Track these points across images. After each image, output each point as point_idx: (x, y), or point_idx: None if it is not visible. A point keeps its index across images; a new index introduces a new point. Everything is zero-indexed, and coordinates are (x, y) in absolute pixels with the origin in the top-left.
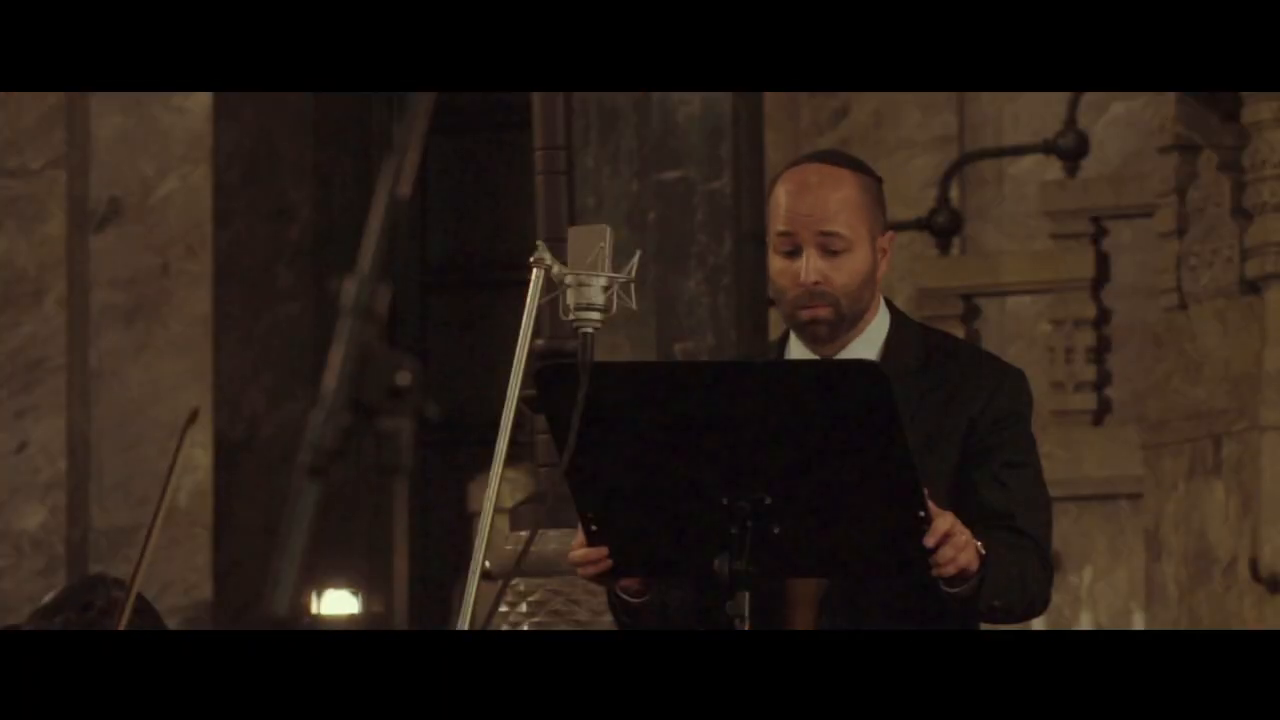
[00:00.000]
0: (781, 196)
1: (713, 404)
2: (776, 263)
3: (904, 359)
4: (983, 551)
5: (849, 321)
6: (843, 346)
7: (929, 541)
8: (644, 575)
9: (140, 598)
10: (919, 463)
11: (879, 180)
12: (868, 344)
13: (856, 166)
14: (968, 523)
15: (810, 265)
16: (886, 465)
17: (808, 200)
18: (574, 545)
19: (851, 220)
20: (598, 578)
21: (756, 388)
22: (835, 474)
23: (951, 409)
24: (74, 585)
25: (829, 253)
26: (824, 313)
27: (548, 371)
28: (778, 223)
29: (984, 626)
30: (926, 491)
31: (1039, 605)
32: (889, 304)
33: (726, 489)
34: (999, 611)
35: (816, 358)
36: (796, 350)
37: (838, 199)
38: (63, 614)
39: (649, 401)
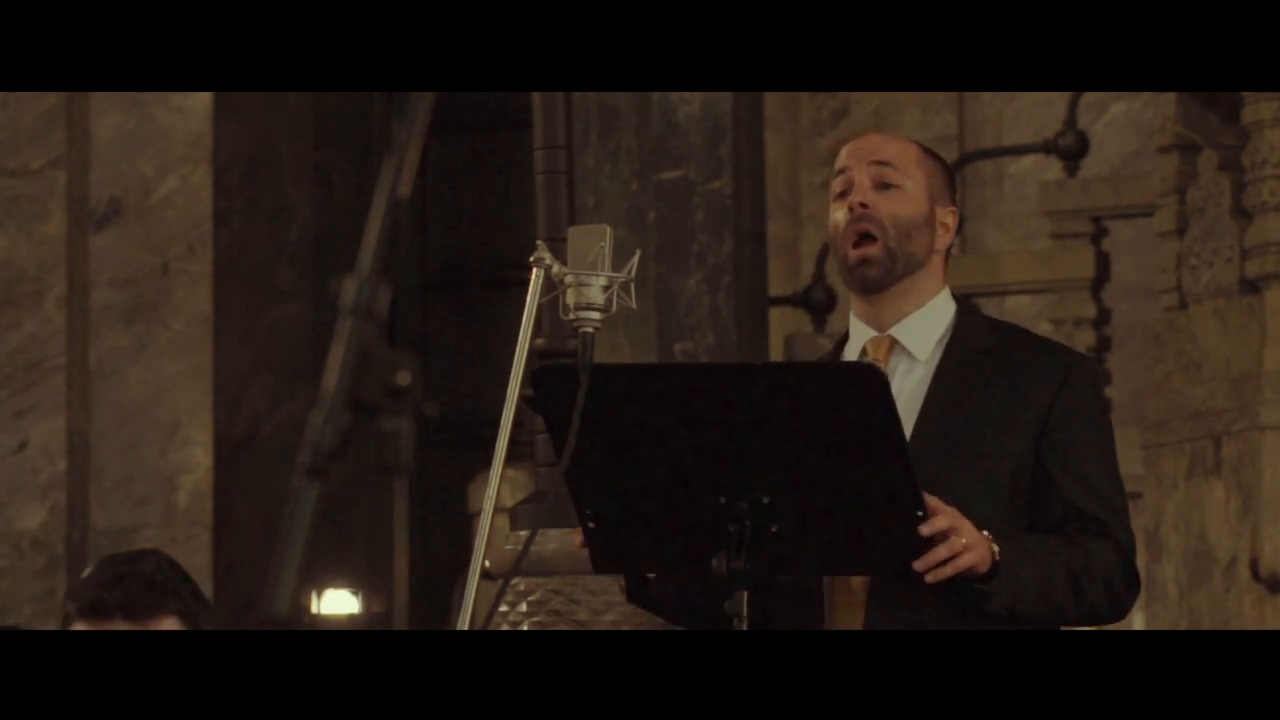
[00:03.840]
0: (843, 150)
1: (711, 405)
2: (834, 211)
3: (972, 340)
4: (998, 556)
5: (900, 264)
6: (902, 317)
7: (925, 531)
8: (643, 574)
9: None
10: (985, 447)
11: (950, 169)
12: (931, 321)
13: (926, 147)
14: (1045, 520)
15: (860, 192)
16: (885, 465)
17: (867, 141)
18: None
19: (907, 164)
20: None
21: (755, 389)
22: (834, 474)
23: (1021, 395)
24: (118, 557)
25: (881, 185)
26: (872, 250)
27: (545, 372)
28: (837, 164)
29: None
30: (925, 494)
31: (1105, 613)
32: (954, 294)
33: (725, 488)
34: (1026, 616)
35: (873, 336)
36: (857, 333)
37: (897, 144)
38: (122, 586)
39: (647, 402)
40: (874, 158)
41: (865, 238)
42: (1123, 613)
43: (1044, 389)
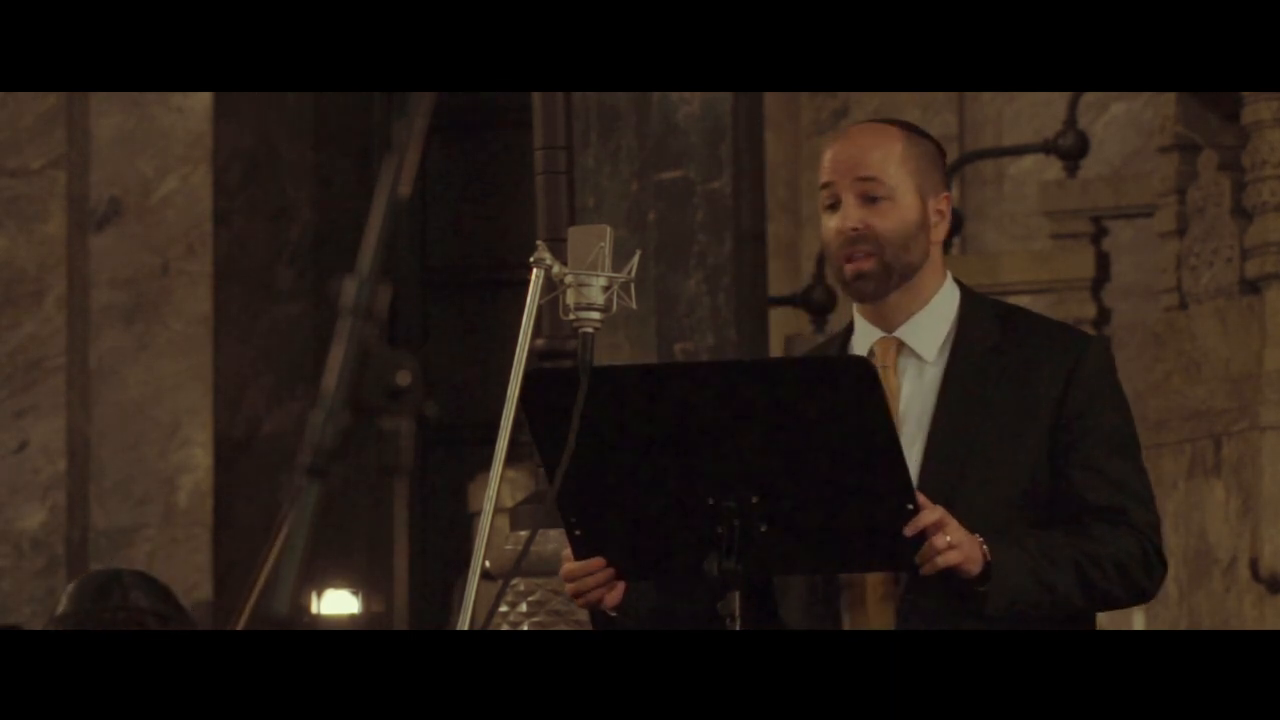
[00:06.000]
0: (826, 154)
1: (698, 404)
2: (825, 222)
3: (979, 336)
4: (989, 558)
5: (898, 275)
6: (907, 319)
7: (908, 531)
8: (630, 579)
9: (171, 602)
10: (1000, 454)
11: (937, 145)
12: (936, 318)
13: (909, 128)
14: (1063, 515)
15: (849, 212)
16: (875, 459)
17: (847, 150)
18: (564, 558)
19: (893, 170)
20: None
21: (743, 387)
22: (823, 470)
23: (1031, 393)
24: (85, 591)
25: (869, 199)
26: (867, 265)
27: (530, 380)
28: (822, 176)
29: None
30: (918, 493)
31: (1124, 598)
32: (957, 281)
33: (713, 489)
34: (1029, 615)
35: (880, 336)
36: (862, 333)
37: (880, 149)
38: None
39: (631, 405)
40: (858, 173)
41: (860, 254)
42: (1146, 595)
43: (1054, 382)
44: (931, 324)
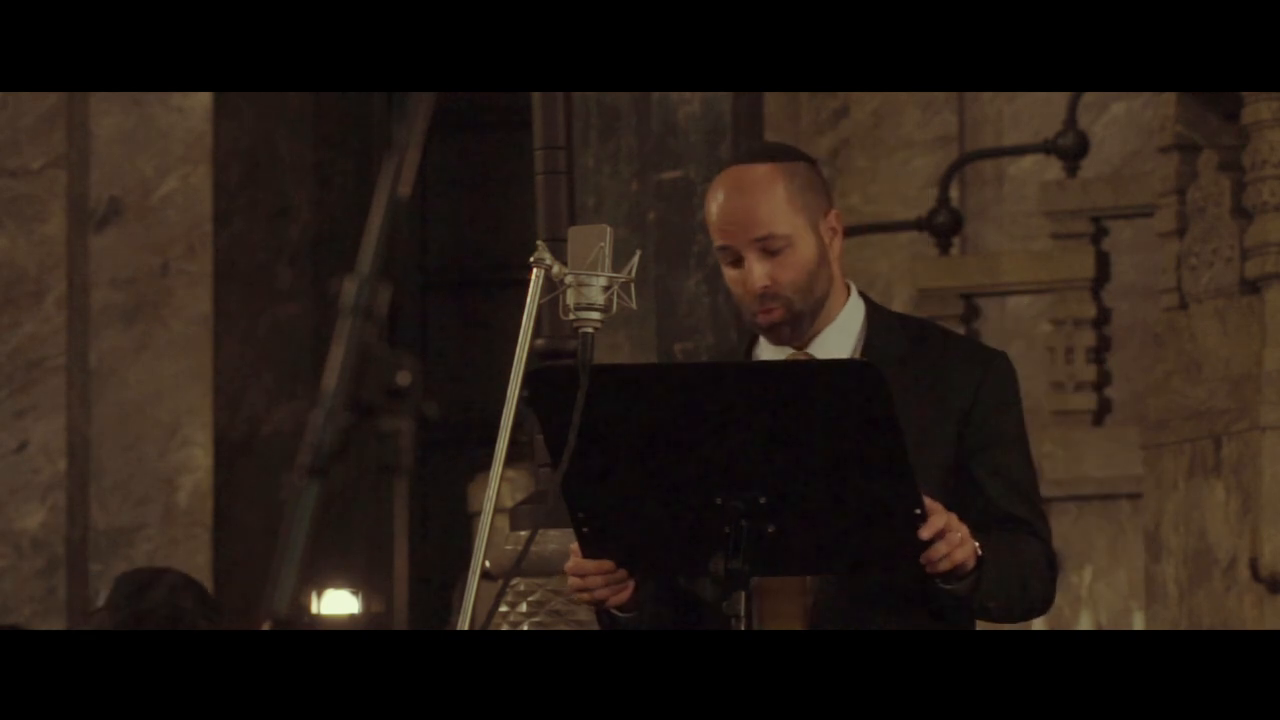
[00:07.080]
0: (712, 210)
1: (706, 405)
2: (728, 273)
3: (885, 350)
4: (980, 551)
5: (809, 316)
6: (814, 336)
7: (924, 534)
8: (638, 577)
9: (203, 594)
10: (911, 459)
11: (810, 162)
12: (843, 333)
13: (779, 156)
14: (969, 521)
15: (755, 271)
16: (882, 463)
17: (734, 209)
18: (571, 551)
19: (782, 218)
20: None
21: (750, 388)
22: (830, 472)
23: (939, 402)
24: (127, 586)
25: (769, 254)
26: (778, 315)
27: (538, 376)
28: (715, 237)
29: (980, 626)
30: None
31: (1039, 607)
32: (861, 294)
33: (720, 489)
34: (994, 611)
35: (790, 353)
36: (767, 350)
37: (765, 201)
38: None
39: (641, 404)
40: (753, 234)
41: (771, 308)
42: (1050, 605)
43: (962, 393)
44: (839, 338)
